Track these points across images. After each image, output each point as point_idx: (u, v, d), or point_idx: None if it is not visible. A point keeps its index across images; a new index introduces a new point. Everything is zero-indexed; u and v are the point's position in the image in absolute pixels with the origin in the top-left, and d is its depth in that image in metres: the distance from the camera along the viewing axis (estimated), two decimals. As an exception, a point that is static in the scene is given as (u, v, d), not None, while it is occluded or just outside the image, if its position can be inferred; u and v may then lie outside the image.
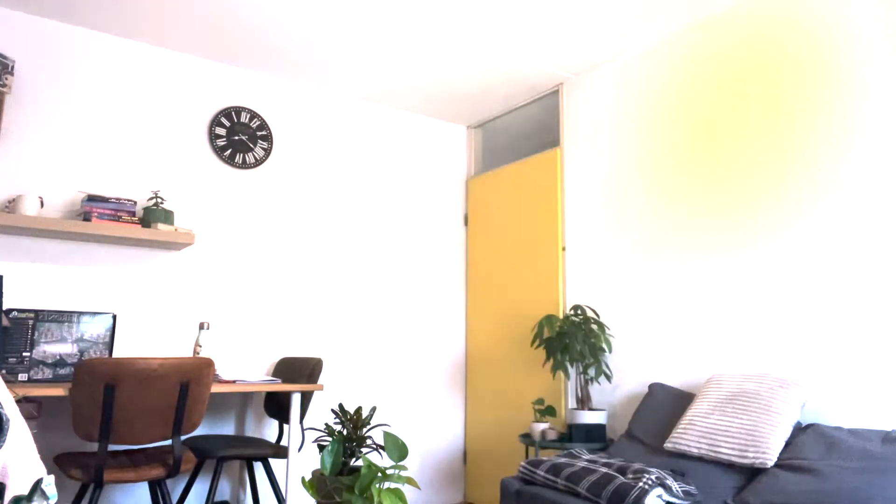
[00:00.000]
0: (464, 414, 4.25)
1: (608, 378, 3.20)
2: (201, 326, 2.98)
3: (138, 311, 3.24)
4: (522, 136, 4.44)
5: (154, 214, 3.15)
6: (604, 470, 2.27)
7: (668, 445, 2.50)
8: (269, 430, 3.52)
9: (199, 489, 3.28)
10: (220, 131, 3.55)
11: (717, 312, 2.86)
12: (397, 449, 1.99)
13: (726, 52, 2.96)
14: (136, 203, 3.12)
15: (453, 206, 4.42)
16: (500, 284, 4.07)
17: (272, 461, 3.48)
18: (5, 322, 2.72)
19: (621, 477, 2.20)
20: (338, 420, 2.50)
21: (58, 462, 2.48)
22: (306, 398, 3.11)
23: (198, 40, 3.36)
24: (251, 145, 3.64)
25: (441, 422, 4.14)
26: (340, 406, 2.56)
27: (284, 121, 3.79)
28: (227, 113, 3.58)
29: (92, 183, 3.20)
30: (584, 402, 3.13)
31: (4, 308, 2.79)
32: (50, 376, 2.80)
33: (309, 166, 3.84)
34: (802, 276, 2.58)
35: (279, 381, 2.97)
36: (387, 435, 2.06)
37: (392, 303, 4.04)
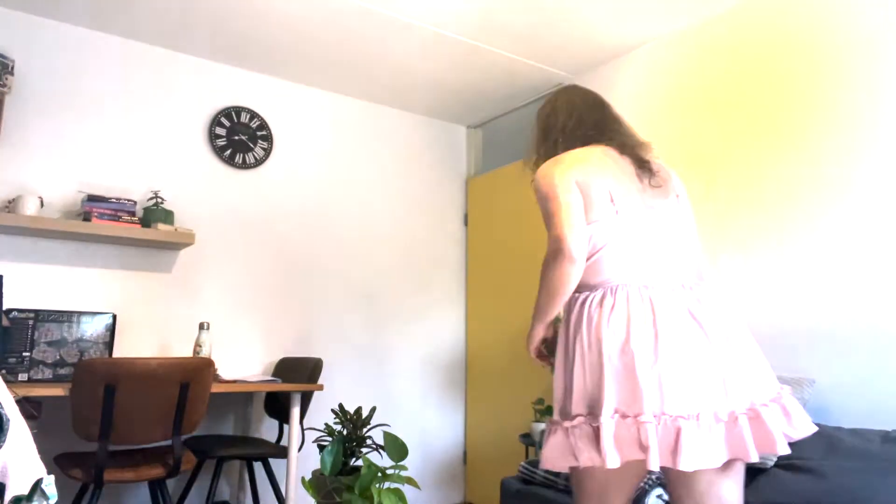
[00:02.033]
0: (464, 414, 4.25)
1: (608, 378, 3.19)
2: (201, 326, 2.97)
3: (138, 311, 3.24)
4: (522, 136, 4.44)
5: (154, 214, 3.15)
6: (604, 470, 2.27)
7: (668, 445, 2.50)
8: (269, 430, 3.52)
9: (199, 489, 3.27)
10: (220, 131, 3.55)
11: (717, 312, 2.86)
12: (397, 449, 1.99)
13: (729, 52, 2.95)
14: (136, 203, 3.12)
15: (453, 206, 4.42)
16: (500, 284, 4.07)
17: (272, 461, 3.48)
18: (5, 322, 2.72)
19: (621, 477, 2.20)
20: (338, 420, 2.50)
21: (58, 462, 2.48)
22: (306, 398, 3.11)
23: (198, 40, 3.36)
24: (251, 145, 3.64)
25: (441, 422, 4.14)
26: (340, 406, 2.56)
27: (284, 121, 3.79)
28: (227, 113, 3.58)
29: (92, 183, 3.20)
30: (584, 402, 3.13)
31: (4, 308, 2.79)
32: (50, 376, 2.80)
33: (309, 166, 3.84)
34: (802, 275, 2.58)
35: (279, 381, 2.97)
36: (387, 435, 2.06)
37: (392, 303, 4.04)
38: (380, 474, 1.76)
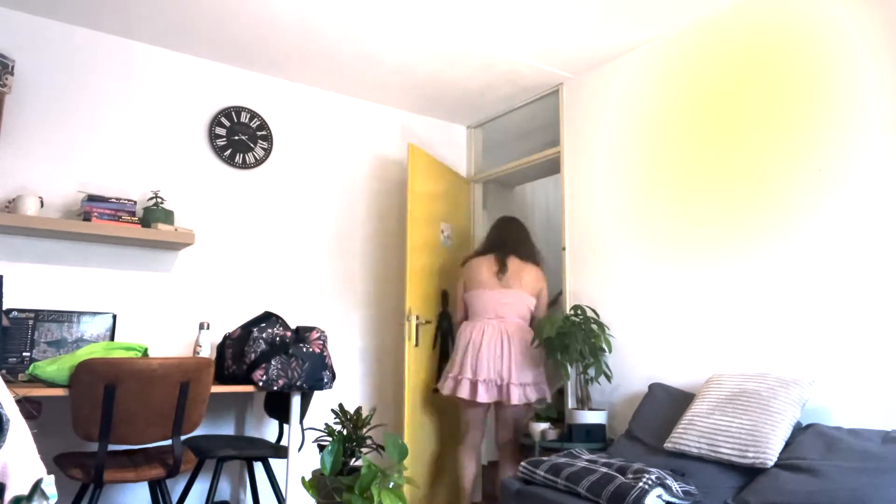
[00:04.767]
0: (464, 414, 4.24)
1: (608, 378, 3.20)
2: (201, 326, 2.97)
3: (138, 311, 3.24)
4: (522, 136, 4.44)
5: (154, 214, 3.15)
6: (604, 470, 2.27)
7: (668, 445, 2.51)
8: (269, 430, 3.52)
9: (199, 489, 3.28)
10: (220, 131, 3.55)
11: (717, 312, 2.86)
12: (397, 449, 1.99)
13: (728, 52, 2.96)
14: (136, 203, 3.12)
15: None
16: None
17: (272, 461, 3.48)
18: (5, 322, 2.72)
19: (621, 477, 2.20)
20: (338, 420, 2.50)
21: (58, 462, 2.48)
22: (306, 398, 3.11)
23: (198, 40, 3.36)
24: (251, 145, 3.64)
25: (441, 422, 4.14)
26: (340, 406, 2.56)
27: (284, 121, 3.79)
28: (227, 113, 3.58)
29: (92, 183, 3.20)
30: (584, 402, 3.13)
31: (4, 308, 2.79)
32: (50, 376, 2.80)
33: (309, 166, 3.84)
34: (803, 276, 2.58)
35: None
36: (387, 435, 2.06)
37: (392, 302, 4.04)
38: (380, 474, 1.76)
